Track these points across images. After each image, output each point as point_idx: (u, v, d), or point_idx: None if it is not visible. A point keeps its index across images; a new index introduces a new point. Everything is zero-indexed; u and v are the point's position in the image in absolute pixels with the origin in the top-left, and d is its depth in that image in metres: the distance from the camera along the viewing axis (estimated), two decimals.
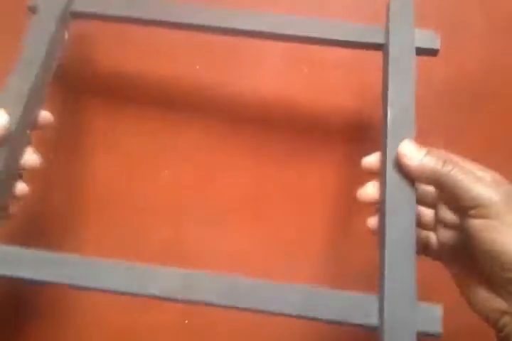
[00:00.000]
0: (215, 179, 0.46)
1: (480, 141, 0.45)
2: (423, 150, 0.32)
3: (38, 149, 0.37)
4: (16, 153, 0.36)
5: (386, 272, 0.30)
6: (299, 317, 0.30)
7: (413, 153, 0.32)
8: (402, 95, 0.35)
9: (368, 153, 0.42)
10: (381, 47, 0.39)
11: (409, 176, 0.32)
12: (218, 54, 0.48)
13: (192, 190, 0.45)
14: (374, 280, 0.32)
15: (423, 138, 0.43)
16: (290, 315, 0.30)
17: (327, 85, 0.47)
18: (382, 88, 0.38)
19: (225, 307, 0.30)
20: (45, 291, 0.42)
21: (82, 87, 0.48)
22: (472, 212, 0.28)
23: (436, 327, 0.29)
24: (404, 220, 0.31)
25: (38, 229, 0.44)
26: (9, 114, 0.34)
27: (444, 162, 0.30)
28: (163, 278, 0.31)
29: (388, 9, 0.39)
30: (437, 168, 0.30)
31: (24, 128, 0.36)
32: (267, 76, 0.47)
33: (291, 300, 0.30)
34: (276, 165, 0.46)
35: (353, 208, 0.44)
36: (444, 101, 0.40)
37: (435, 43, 0.38)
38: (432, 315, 0.29)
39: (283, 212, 0.45)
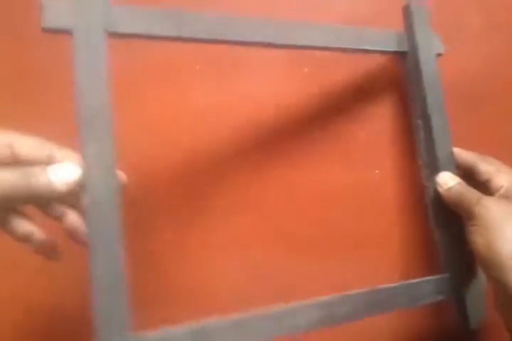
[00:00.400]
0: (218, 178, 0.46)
1: (480, 141, 0.47)
2: (456, 180, 0.40)
3: None
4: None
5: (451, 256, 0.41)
6: (405, 308, 0.39)
7: (445, 181, 0.40)
8: (438, 112, 0.42)
9: (368, 152, 0.47)
10: (403, 54, 0.43)
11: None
12: (218, 54, 0.45)
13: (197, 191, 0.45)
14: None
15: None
16: (400, 309, 0.39)
17: (328, 85, 0.47)
18: (409, 94, 0.43)
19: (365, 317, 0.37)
20: None
21: None
22: (470, 222, 0.37)
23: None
24: (451, 219, 0.40)
25: None
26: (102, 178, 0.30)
27: (458, 190, 0.39)
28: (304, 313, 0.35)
29: (407, 14, 0.42)
30: (453, 194, 0.39)
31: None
32: (267, 76, 0.47)
33: (400, 296, 0.39)
34: (277, 165, 0.47)
35: (364, 208, 0.47)
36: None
37: (442, 48, 0.44)
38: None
39: (287, 212, 0.46)
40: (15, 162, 0.29)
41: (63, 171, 0.29)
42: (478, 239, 0.35)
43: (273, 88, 0.46)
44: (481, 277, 0.41)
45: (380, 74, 0.47)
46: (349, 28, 0.41)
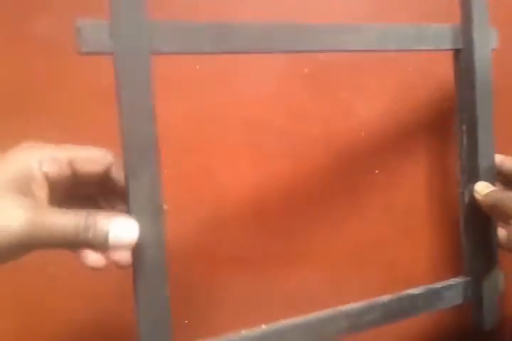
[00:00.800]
0: (217, 175, 0.46)
1: None
2: (490, 188, 0.40)
3: None
4: None
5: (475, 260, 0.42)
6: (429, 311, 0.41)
7: (482, 189, 0.40)
8: (486, 119, 0.40)
9: (366, 152, 0.47)
10: (456, 50, 0.40)
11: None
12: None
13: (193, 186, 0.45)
14: None
15: (425, 136, 0.48)
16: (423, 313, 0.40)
17: (327, 85, 0.46)
18: (458, 96, 0.41)
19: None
20: None
21: None
22: (510, 221, 0.38)
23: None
24: (481, 225, 0.41)
25: None
26: None
27: (495, 194, 0.39)
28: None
29: (466, 7, 0.38)
30: (490, 198, 0.39)
31: None
32: (268, 76, 0.45)
33: (424, 301, 0.40)
34: (277, 163, 0.46)
35: (360, 207, 0.47)
36: (446, 99, 0.41)
37: (497, 42, 0.40)
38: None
39: (284, 209, 0.46)
40: (74, 178, 0.29)
41: (123, 230, 0.27)
42: None
43: (273, 88, 0.45)
44: (498, 280, 0.43)
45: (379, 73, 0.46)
46: (402, 25, 0.37)
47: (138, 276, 0.29)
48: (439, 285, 0.41)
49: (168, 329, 0.30)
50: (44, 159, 0.28)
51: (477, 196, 0.40)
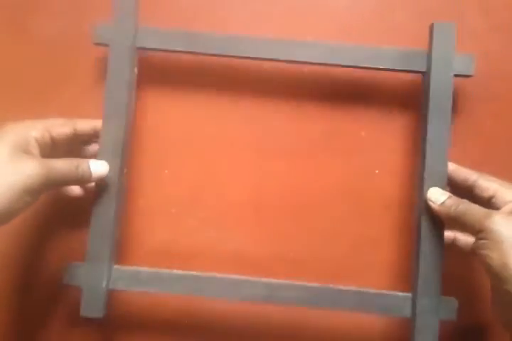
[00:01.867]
0: (218, 175, 0.49)
1: (479, 142, 0.47)
2: (445, 196, 0.40)
3: None
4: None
5: (419, 277, 0.41)
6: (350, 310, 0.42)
7: (437, 198, 0.41)
8: (438, 141, 0.42)
9: (366, 152, 0.48)
10: (421, 73, 0.44)
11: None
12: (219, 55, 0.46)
13: (193, 187, 0.48)
14: None
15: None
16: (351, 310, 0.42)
17: (327, 86, 0.48)
18: (421, 112, 0.43)
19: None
20: None
21: None
22: (479, 235, 0.37)
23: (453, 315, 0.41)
24: (435, 237, 0.41)
25: None
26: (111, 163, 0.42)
27: (456, 204, 0.39)
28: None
29: (432, 34, 0.42)
30: (451, 209, 0.39)
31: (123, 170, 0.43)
32: (268, 75, 0.48)
33: (348, 300, 0.42)
34: (277, 163, 0.48)
35: (359, 206, 0.48)
36: None
37: (471, 68, 0.43)
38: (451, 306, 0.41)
39: (285, 209, 0.48)
40: (52, 139, 0.40)
41: (99, 166, 0.41)
42: (491, 253, 0.36)
43: (273, 87, 0.48)
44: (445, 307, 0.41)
45: (379, 73, 0.46)
46: (368, 47, 0.43)
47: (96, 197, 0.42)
48: (374, 291, 0.42)
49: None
50: (31, 129, 0.39)
51: (432, 205, 0.41)
